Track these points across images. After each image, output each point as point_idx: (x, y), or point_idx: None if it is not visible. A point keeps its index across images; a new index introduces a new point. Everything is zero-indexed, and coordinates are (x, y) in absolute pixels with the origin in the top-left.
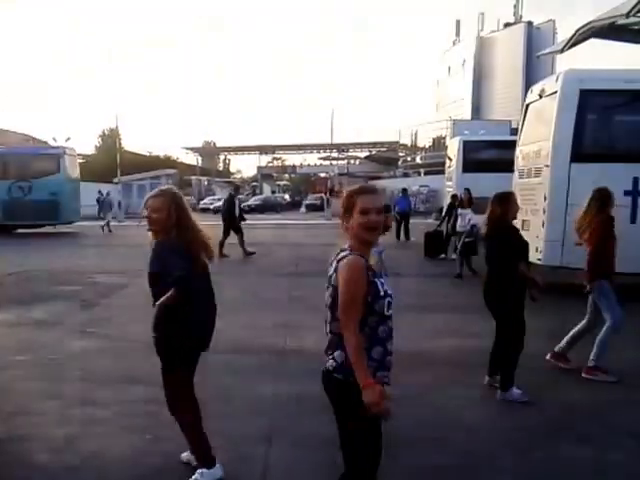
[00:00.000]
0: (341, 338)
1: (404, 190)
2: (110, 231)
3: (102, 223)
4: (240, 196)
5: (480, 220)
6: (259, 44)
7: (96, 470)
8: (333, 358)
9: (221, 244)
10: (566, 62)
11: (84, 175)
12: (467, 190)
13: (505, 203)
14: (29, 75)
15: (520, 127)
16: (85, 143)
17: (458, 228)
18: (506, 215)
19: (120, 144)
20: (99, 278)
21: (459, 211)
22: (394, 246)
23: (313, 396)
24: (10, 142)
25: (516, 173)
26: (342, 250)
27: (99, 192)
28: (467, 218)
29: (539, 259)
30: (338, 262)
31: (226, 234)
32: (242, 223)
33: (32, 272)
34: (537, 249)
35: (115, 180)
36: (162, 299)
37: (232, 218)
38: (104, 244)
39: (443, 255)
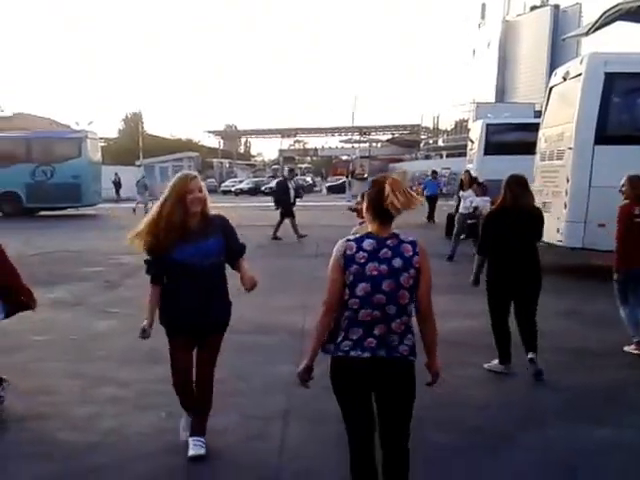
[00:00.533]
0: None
1: (434, 172)
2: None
3: (134, 205)
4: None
5: (481, 202)
6: (280, 25)
7: (115, 446)
8: (404, 343)
9: (277, 228)
10: (591, 46)
11: (107, 158)
12: (467, 172)
13: (517, 186)
14: (53, 60)
15: (543, 110)
16: (108, 127)
17: (461, 210)
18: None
19: (142, 128)
20: (124, 259)
21: (460, 193)
22: (421, 227)
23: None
24: (34, 126)
25: (538, 156)
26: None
27: (115, 174)
28: (469, 200)
29: (560, 240)
30: (412, 244)
31: (283, 217)
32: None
33: (55, 253)
34: (558, 230)
35: (137, 163)
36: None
37: (286, 201)
38: (127, 226)
39: (463, 235)
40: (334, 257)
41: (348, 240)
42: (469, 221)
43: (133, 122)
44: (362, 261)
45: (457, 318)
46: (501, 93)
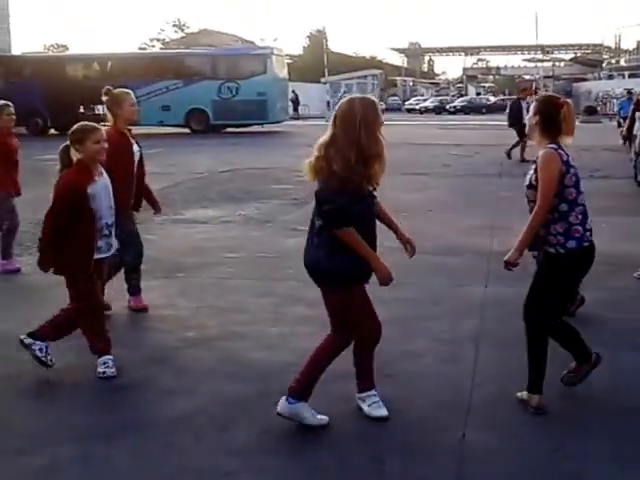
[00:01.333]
0: None
1: (629, 92)
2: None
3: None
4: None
5: None
6: None
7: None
8: None
9: (516, 147)
10: None
11: (292, 76)
12: None
13: None
14: None
15: None
16: (293, 44)
17: (635, 132)
18: None
19: (327, 45)
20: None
21: (637, 114)
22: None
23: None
24: (219, 43)
25: None
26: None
27: (292, 92)
28: None
29: None
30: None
31: (521, 137)
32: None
33: (243, 170)
34: None
35: (323, 80)
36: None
37: (520, 123)
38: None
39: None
40: (553, 165)
41: (555, 149)
42: None
43: (317, 39)
44: (572, 163)
45: None
46: None
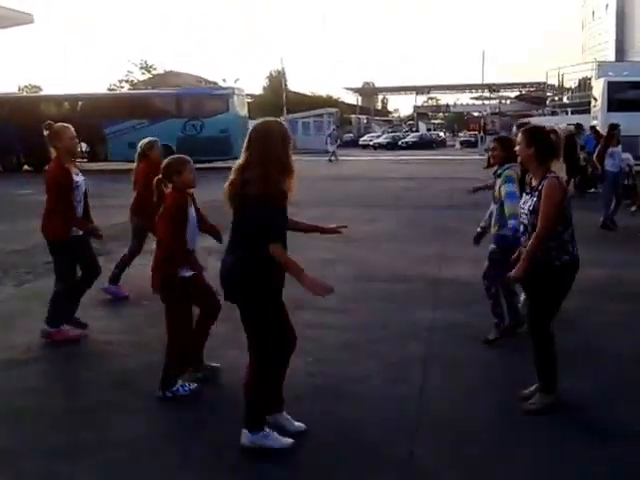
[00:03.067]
0: None
1: (593, 128)
2: (337, 159)
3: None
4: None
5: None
6: None
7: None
8: None
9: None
10: None
11: (252, 114)
12: (616, 126)
13: None
14: (202, 22)
15: None
16: (254, 83)
17: (611, 168)
18: None
19: (286, 85)
20: None
21: (610, 150)
22: None
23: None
24: (184, 83)
25: None
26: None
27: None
28: (624, 157)
29: None
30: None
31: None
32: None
33: (206, 203)
34: None
35: (282, 118)
36: None
37: (573, 158)
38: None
39: (593, 189)
40: (559, 193)
41: (557, 178)
42: (626, 182)
43: (277, 79)
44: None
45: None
46: (621, 52)
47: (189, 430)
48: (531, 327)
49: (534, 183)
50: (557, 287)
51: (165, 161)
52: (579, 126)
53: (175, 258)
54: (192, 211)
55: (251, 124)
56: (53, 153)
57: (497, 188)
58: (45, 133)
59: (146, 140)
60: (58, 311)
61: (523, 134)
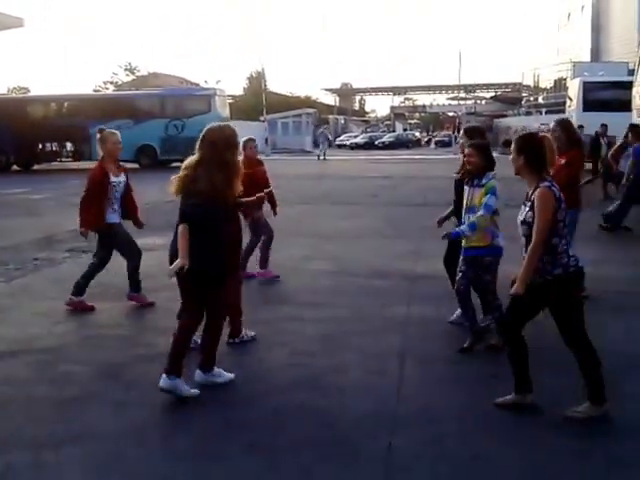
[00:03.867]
0: None
1: (580, 127)
2: (325, 159)
3: (319, 152)
4: None
5: None
6: None
7: (245, 381)
8: None
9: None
10: None
11: (233, 114)
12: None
13: None
14: (185, 24)
15: (636, 68)
16: (234, 85)
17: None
18: None
19: (266, 86)
20: None
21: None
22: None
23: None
24: (167, 85)
25: (634, 112)
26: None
27: None
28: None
29: None
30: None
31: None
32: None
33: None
34: None
35: (261, 118)
36: None
37: (596, 159)
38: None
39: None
40: (550, 203)
41: (549, 187)
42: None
43: (257, 80)
44: (562, 198)
45: None
46: (596, 53)
47: (173, 421)
48: (567, 342)
49: (529, 192)
50: (561, 299)
51: None
52: (605, 126)
53: None
54: None
55: (233, 124)
56: (100, 154)
57: (473, 197)
58: (97, 136)
59: (244, 138)
60: (85, 283)
61: (514, 143)
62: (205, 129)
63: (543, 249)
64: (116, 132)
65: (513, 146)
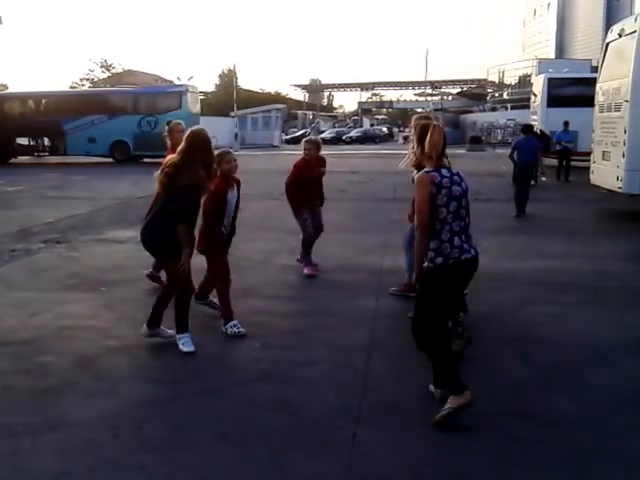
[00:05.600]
0: None
1: (566, 123)
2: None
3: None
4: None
5: None
6: None
7: (216, 372)
8: (473, 245)
9: None
10: None
11: (205, 110)
12: None
13: None
14: (161, 21)
15: (600, 65)
16: (206, 82)
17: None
18: None
19: (236, 82)
20: None
21: None
22: (497, 175)
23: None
24: (141, 82)
25: (597, 108)
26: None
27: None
28: None
29: (620, 187)
30: (460, 173)
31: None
32: None
33: None
34: (618, 178)
35: (232, 114)
36: None
37: None
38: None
39: (533, 182)
40: (424, 188)
41: (427, 172)
42: None
43: (228, 77)
44: (448, 185)
45: (537, 258)
46: (560, 50)
47: (146, 411)
48: (414, 329)
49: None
50: (430, 289)
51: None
52: (566, 123)
53: None
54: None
55: (203, 120)
56: (168, 144)
57: None
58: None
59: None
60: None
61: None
62: (189, 132)
63: (423, 233)
64: (180, 121)
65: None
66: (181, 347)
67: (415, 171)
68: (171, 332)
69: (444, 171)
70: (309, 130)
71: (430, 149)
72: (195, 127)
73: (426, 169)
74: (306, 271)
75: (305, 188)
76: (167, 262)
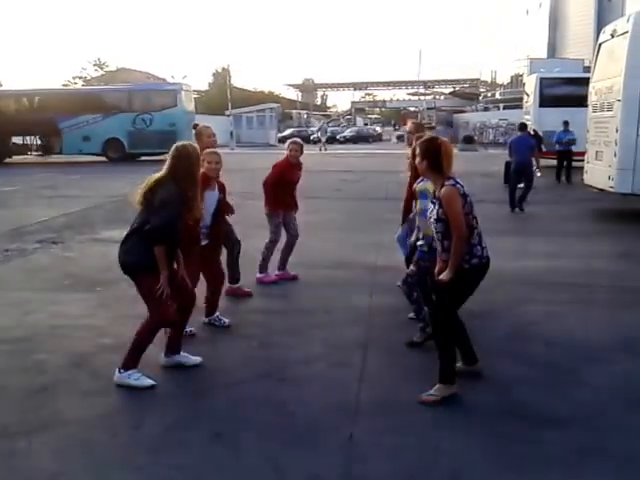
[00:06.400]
0: None
1: (566, 123)
2: (326, 150)
3: (320, 145)
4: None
5: None
6: None
7: (212, 371)
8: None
9: None
10: (635, 5)
11: (199, 109)
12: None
13: None
14: (155, 19)
15: (593, 65)
16: (200, 80)
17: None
18: None
19: (230, 81)
20: None
21: None
22: (489, 175)
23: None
24: (135, 80)
25: (590, 108)
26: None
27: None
28: None
29: (611, 187)
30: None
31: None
32: None
33: None
34: (609, 177)
35: (227, 113)
36: None
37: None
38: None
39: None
40: (456, 199)
41: (454, 185)
42: None
43: (222, 76)
44: (468, 193)
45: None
46: (552, 50)
47: (141, 410)
48: (434, 316)
49: (436, 192)
50: (463, 287)
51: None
52: (566, 122)
53: None
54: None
55: (198, 118)
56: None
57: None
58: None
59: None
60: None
61: (418, 147)
62: (174, 148)
63: (464, 239)
64: (209, 125)
65: (417, 150)
66: (134, 383)
67: (408, 173)
68: (197, 358)
69: (458, 180)
70: (317, 130)
71: (448, 169)
72: (180, 142)
73: (449, 182)
74: (263, 278)
75: (283, 190)
76: (143, 287)
